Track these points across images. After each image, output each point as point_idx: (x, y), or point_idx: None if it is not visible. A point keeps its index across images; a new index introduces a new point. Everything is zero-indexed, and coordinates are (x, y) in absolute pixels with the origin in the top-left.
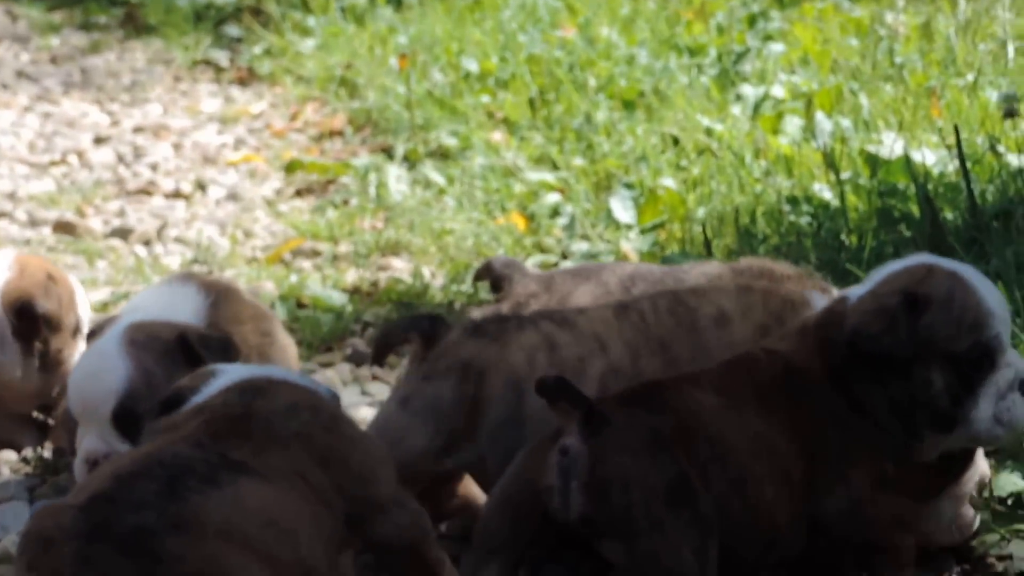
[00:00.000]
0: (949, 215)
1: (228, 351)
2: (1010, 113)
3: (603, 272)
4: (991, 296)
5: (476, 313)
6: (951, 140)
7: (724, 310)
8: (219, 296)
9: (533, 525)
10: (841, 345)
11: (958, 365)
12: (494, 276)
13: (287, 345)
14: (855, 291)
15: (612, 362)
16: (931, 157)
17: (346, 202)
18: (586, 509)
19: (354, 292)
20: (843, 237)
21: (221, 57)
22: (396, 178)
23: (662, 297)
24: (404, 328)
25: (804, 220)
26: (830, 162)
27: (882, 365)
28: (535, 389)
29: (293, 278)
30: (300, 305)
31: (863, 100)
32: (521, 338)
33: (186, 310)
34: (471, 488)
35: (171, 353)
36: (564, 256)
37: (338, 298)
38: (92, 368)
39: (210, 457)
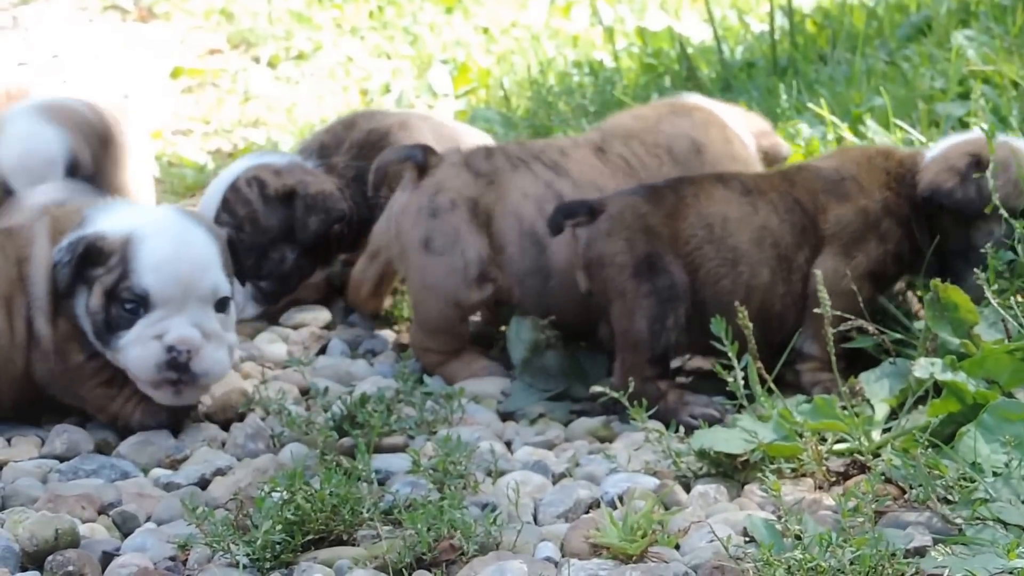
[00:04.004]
0: (705, 70)
1: None
2: None
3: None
4: None
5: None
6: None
7: (694, 138)
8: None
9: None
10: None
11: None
12: None
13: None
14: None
15: None
16: (693, 31)
17: (220, 96)
18: (587, 285)
19: (216, 153)
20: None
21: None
22: (260, 76)
23: (631, 139)
24: (399, 157)
25: (587, 79)
26: (609, 32)
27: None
28: (551, 233)
29: (171, 149)
30: (172, 165)
31: None
32: (520, 183)
33: None
34: None
35: None
36: None
37: (202, 158)
38: None
39: None
